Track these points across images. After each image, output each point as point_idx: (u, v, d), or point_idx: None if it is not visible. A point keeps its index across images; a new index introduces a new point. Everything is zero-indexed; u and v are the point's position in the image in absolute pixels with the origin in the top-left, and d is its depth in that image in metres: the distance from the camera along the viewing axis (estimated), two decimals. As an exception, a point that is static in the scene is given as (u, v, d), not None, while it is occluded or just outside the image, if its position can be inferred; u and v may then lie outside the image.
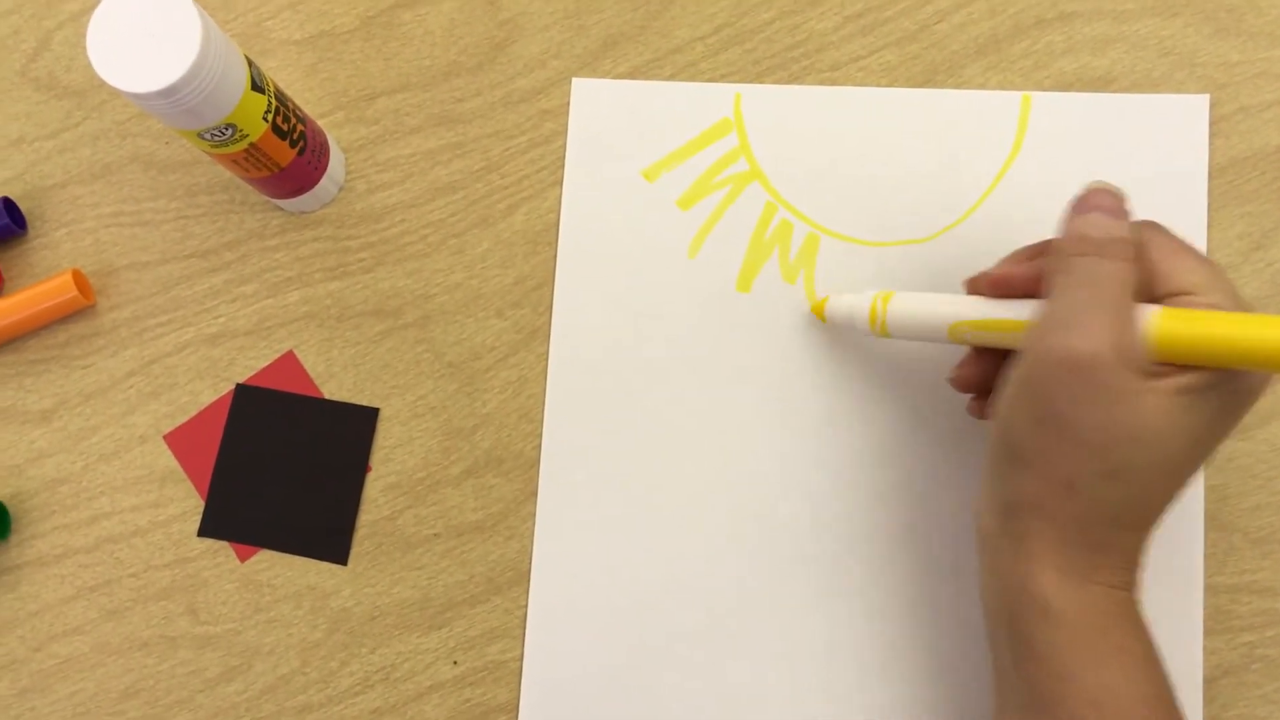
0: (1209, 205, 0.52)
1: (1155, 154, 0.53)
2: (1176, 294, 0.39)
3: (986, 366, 0.46)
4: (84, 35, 0.58)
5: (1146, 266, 0.40)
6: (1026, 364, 0.40)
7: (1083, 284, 0.39)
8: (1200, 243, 0.52)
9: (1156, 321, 0.38)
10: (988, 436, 0.42)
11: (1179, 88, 0.54)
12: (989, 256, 0.52)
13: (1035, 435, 0.40)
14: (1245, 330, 0.36)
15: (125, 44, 0.43)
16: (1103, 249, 0.39)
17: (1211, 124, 0.53)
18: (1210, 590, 0.50)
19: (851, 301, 0.50)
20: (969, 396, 0.48)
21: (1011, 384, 0.41)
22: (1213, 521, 0.50)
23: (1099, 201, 0.41)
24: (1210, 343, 0.37)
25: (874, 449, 0.52)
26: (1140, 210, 0.41)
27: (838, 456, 0.52)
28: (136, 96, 0.43)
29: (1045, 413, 0.39)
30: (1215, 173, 0.53)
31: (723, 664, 0.51)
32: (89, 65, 0.58)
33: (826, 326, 0.53)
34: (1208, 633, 0.50)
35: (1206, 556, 0.50)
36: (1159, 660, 0.40)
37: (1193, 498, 0.50)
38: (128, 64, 0.43)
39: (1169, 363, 0.38)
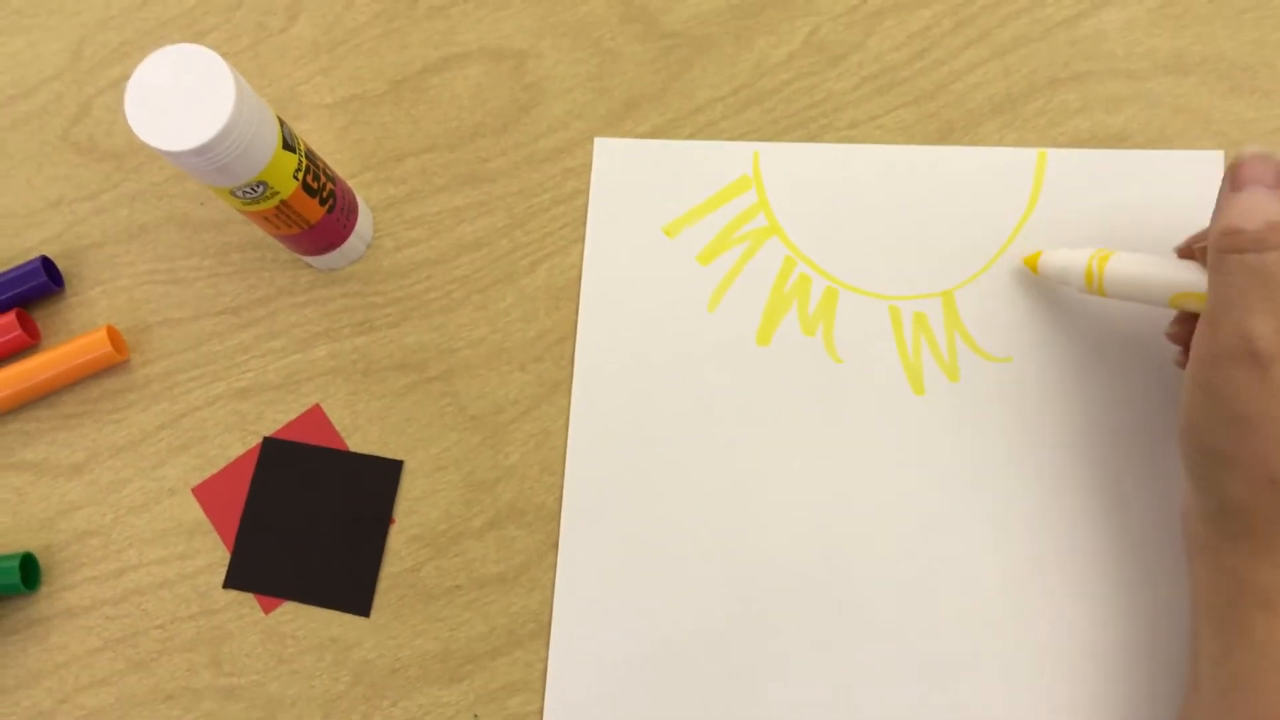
0: (1226, 259, 0.53)
1: (1170, 209, 0.53)
2: None
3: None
4: (124, 101, 0.61)
5: None
6: (1199, 367, 0.40)
7: (1242, 282, 0.38)
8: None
9: None
10: (1178, 443, 0.42)
11: (1193, 144, 0.54)
12: (1006, 310, 0.53)
13: (1227, 437, 0.39)
14: None
15: (162, 105, 0.44)
16: (1260, 241, 0.38)
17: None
18: None
19: (1068, 257, 0.50)
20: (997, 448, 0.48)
21: (1188, 387, 0.40)
22: None
23: (1254, 173, 0.39)
24: None
25: (895, 500, 0.52)
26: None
27: (859, 509, 0.52)
28: (172, 155, 0.44)
29: (1231, 413, 0.39)
30: (1232, 227, 0.53)
31: (747, 715, 0.51)
32: (128, 129, 0.61)
33: (848, 376, 0.53)
34: None
35: None
36: None
37: None
38: (164, 124, 0.44)
39: None
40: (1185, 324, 0.47)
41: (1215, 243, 0.40)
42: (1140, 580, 0.50)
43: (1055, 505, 0.51)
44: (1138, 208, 0.54)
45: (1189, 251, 0.46)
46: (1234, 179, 0.40)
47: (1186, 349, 0.47)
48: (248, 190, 0.48)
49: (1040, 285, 0.53)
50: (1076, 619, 0.50)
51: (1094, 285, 0.48)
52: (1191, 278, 0.44)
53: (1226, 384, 0.39)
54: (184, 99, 0.44)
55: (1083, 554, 0.50)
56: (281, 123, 0.48)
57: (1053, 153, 0.55)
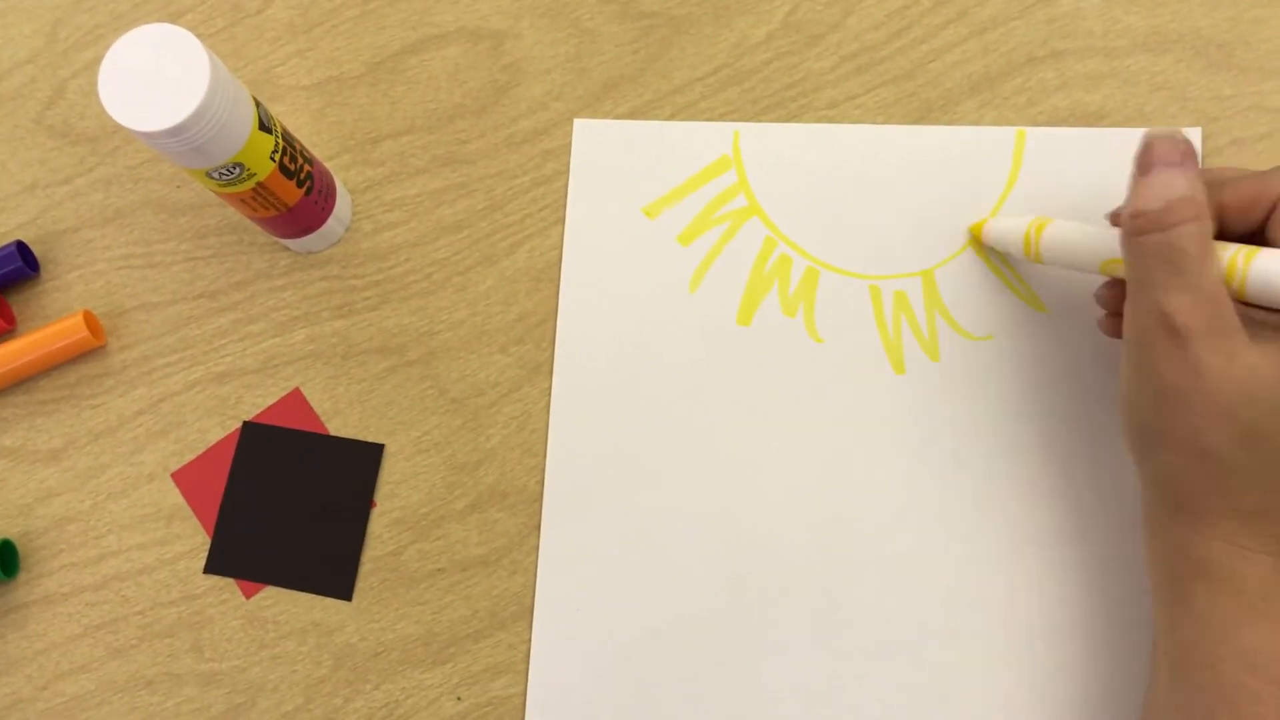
0: (1204, 236, 0.53)
1: (1150, 186, 0.53)
2: None
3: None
4: (97, 83, 0.60)
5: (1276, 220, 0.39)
6: (1128, 345, 0.40)
7: (1152, 262, 0.39)
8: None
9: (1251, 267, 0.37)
10: (1122, 418, 0.43)
11: (1171, 122, 0.54)
12: (987, 288, 0.53)
13: (1158, 412, 0.40)
14: None
15: (136, 85, 0.44)
16: (1164, 219, 0.39)
17: (1204, 157, 0.54)
18: None
19: (1008, 225, 0.51)
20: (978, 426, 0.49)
21: (1123, 365, 0.41)
22: None
23: (1159, 154, 0.40)
24: None
25: (877, 481, 0.52)
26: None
27: (840, 488, 0.52)
28: (146, 135, 0.44)
29: (1159, 389, 0.39)
30: (1210, 204, 0.53)
31: (729, 699, 0.51)
32: (102, 112, 0.60)
33: (829, 356, 0.53)
34: None
35: None
36: None
37: None
38: (138, 104, 0.44)
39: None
40: (1113, 288, 0.48)
41: (1125, 227, 0.40)
42: (1126, 554, 0.50)
43: (1038, 482, 0.51)
44: (1116, 185, 0.53)
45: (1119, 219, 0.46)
46: (1141, 163, 0.41)
47: (1112, 313, 0.48)
48: (223, 172, 0.47)
49: (1021, 264, 0.53)
50: (1062, 594, 0.50)
51: (1031, 252, 0.49)
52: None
53: (1152, 361, 0.39)
54: (158, 79, 0.44)
55: (1066, 529, 0.51)
56: (258, 104, 0.48)
57: (1031, 131, 0.55)
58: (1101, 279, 0.49)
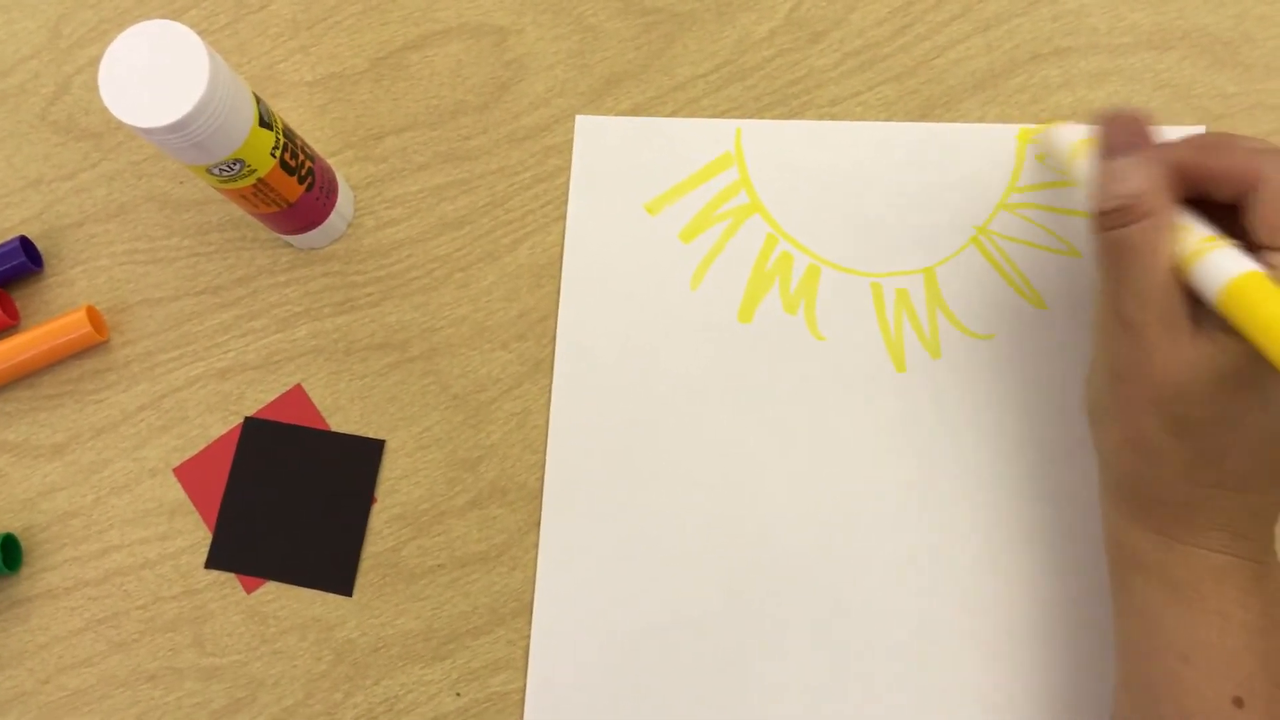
0: (1208, 235, 0.53)
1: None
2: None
3: None
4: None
5: (1257, 214, 0.38)
6: (1094, 325, 0.42)
7: (1110, 257, 0.40)
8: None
9: (1225, 289, 0.37)
10: (1084, 395, 0.44)
11: (1176, 119, 0.54)
12: (988, 287, 0.53)
13: (1111, 392, 0.41)
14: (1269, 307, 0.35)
15: (136, 82, 0.44)
16: (1122, 216, 0.39)
17: (1209, 154, 0.53)
18: None
19: (1063, 133, 0.50)
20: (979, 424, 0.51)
21: (1092, 343, 0.43)
22: None
23: (1115, 139, 0.40)
24: (1253, 329, 0.36)
25: (878, 477, 0.52)
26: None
27: (841, 485, 0.52)
28: (146, 131, 0.44)
29: (1114, 369, 0.40)
30: (1213, 202, 0.53)
31: (728, 697, 0.51)
32: (105, 108, 0.60)
33: (830, 353, 0.53)
34: None
35: None
36: (1270, 633, 0.39)
37: None
38: (139, 100, 0.44)
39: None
40: None
41: (1090, 221, 0.41)
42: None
43: (1038, 480, 0.51)
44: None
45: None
46: (1103, 150, 0.41)
47: None
48: (224, 168, 0.47)
49: (1023, 261, 0.53)
50: (1064, 591, 0.50)
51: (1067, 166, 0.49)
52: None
53: (1107, 343, 0.41)
54: (158, 75, 0.44)
55: (1066, 526, 0.50)
56: (258, 100, 0.48)
57: (1034, 129, 0.54)
58: None
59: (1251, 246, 0.38)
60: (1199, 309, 0.38)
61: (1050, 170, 0.53)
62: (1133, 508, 0.42)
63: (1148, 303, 0.38)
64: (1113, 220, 0.39)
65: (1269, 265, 0.37)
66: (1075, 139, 0.48)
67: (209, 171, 0.48)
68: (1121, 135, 0.41)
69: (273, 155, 0.49)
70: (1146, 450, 0.40)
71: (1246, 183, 0.38)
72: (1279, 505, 0.41)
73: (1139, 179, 0.39)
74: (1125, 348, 0.39)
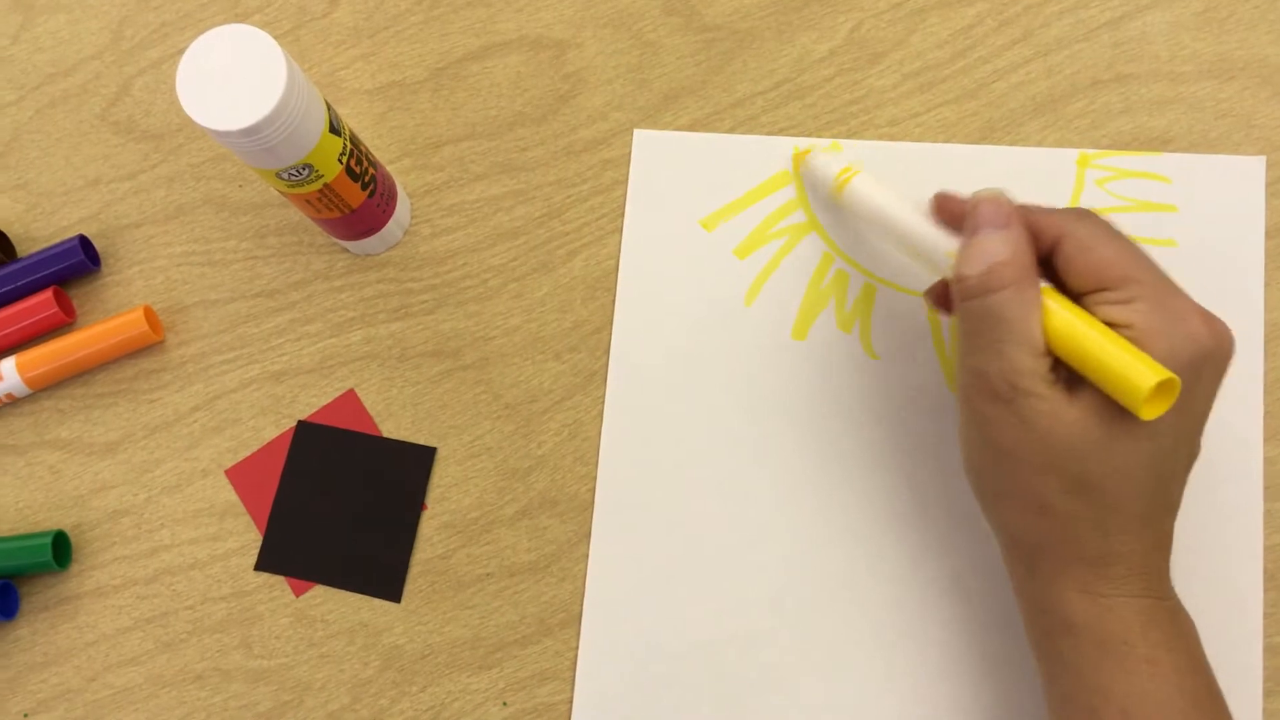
0: (1265, 266, 0.52)
1: (1212, 214, 0.53)
2: (1092, 291, 0.40)
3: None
4: (164, 82, 0.61)
5: (1063, 264, 0.40)
6: (961, 403, 0.42)
7: (972, 325, 0.40)
8: (1257, 304, 0.52)
9: (1050, 329, 0.39)
10: (968, 480, 0.44)
11: (1236, 149, 0.54)
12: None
13: (998, 471, 0.41)
14: (1104, 357, 0.37)
15: (212, 85, 0.44)
16: (984, 285, 0.40)
17: (1268, 185, 0.53)
18: (1270, 651, 0.49)
19: (825, 162, 0.53)
20: None
21: (960, 421, 0.42)
22: (1272, 581, 0.50)
23: (984, 217, 0.41)
24: (1083, 363, 0.38)
25: (929, 497, 0.52)
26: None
27: (892, 504, 0.52)
28: (221, 135, 0.44)
29: (994, 447, 0.40)
30: (1272, 233, 0.53)
31: (774, 713, 0.51)
32: (167, 110, 0.61)
33: (885, 373, 0.53)
34: (1267, 694, 0.49)
35: (1266, 617, 0.49)
36: (1197, 669, 0.40)
37: (1251, 556, 0.50)
38: (215, 103, 0.44)
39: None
40: (943, 288, 0.48)
41: (954, 291, 0.41)
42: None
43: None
44: (1179, 211, 0.53)
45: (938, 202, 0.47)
46: (968, 226, 0.42)
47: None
48: (293, 173, 0.48)
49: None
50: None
51: (841, 197, 0.52)
52: (907, 224, 0.47)
53: (983, 419, 0.40)
54: (235, 79, 0.44)
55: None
56: (328, 106, 0.48)
57: (1094, 154, 0.54)
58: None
59: (1068, 293, 0.40)
60: (1060, 364, 0.40)
61: (807, 187, 0.56)
62: (1051, 573, 0.41)
63: (1022, 371, 0.39)
64: (979, 287, 0.40)
65: (1093, 306, 0.39)
66: (835, 169, 0.52)
67: (277, 176, 0.48)
68: (993, 214, 0.41)
69: (340, 161, 0.49)
70: (1054, 516, 0.40)
71: (1051, 237, 0.41)
72: (1172, 533, 0.41)
73: (1007, 248, 0.40)
74: (1005, 421, 0.39)
